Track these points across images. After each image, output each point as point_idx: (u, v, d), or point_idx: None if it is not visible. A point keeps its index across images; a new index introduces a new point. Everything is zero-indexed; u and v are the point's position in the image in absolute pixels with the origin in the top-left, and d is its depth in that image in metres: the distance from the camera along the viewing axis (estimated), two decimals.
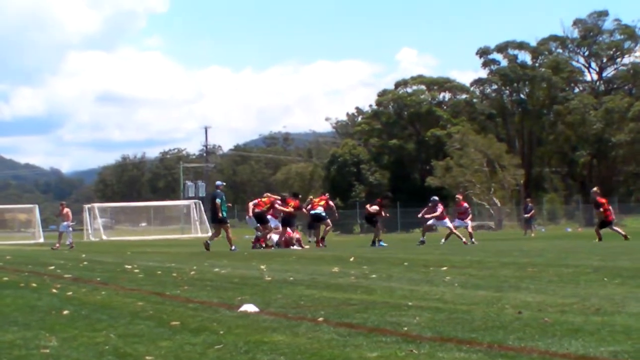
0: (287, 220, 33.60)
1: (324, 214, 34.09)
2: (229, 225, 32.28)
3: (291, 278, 14.18)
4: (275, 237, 33.36)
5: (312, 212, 34.24)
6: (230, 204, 34.54)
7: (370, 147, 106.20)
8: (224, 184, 34.33)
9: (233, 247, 30.33)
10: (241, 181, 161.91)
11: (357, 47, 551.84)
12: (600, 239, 32.74)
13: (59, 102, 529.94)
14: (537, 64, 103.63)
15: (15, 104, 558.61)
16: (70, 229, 43.86)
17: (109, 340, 7.28)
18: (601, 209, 34.51)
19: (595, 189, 37.68)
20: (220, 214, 31.30)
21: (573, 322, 7.72)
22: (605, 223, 34.48)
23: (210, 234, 38.28)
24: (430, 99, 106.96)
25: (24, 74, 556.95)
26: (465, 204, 37.29)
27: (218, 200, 31.12)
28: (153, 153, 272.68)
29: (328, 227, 34.56)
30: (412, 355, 6.23)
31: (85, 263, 21.92)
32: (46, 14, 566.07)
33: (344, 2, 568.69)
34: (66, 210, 43.39)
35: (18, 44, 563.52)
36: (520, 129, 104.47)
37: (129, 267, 18.95)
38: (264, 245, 32.38)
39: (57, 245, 41.50)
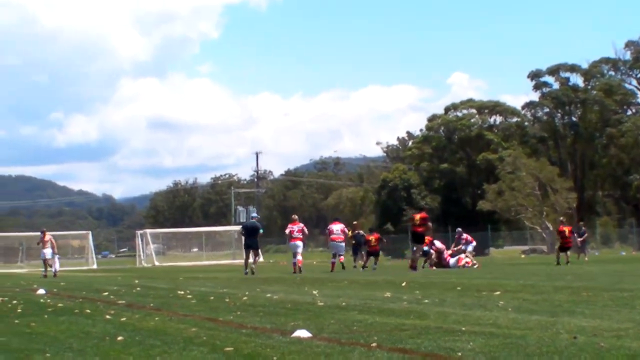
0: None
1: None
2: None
3: (343, 303, 14.17)
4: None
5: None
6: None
7: (421, 172, 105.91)
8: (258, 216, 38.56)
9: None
10: (292, 206, 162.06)
11: (409, 71, 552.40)
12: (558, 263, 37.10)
13: (112, 129, 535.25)
14: (589, 87, 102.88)
15: (69, 132, 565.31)
16: (57, 257, 42.71)
17: None
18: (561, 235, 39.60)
19: (561, 218, 45.01)
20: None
21: (630, 348, 7.64)
22: (563, 248, 39.25)
23: (261, 258, 40.18)
24: (480, 123, 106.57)
25: (77, 102, 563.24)
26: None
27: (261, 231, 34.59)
28: (204, 179, 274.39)
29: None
30: None
31: (138, 289, 22.07)
32: (99, 43, 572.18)
33: (395, 27, 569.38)
34: (49, 237, 42.34)
35: (72, 73, 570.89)
36: (573, 152, 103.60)
37: (182, 292, 19.04)
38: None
39: (55, 273, 40.73)
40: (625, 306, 12.19)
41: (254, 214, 36.10)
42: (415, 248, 33.87)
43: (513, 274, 26.12)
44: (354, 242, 41.37)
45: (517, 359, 7.13)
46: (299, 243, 35.00)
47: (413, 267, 32.63)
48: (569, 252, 39.13)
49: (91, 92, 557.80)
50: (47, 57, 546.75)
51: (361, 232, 42.63)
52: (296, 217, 36.95)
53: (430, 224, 34.41)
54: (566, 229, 39.61)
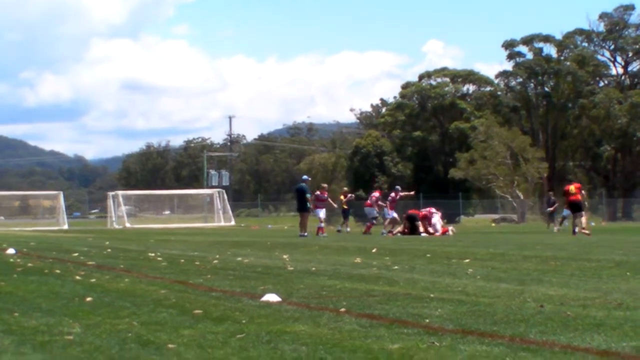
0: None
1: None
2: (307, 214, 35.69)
3: (313, 268, 14.21)
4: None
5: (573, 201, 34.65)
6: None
7: (394, 139, 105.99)
8: (309, 179, 38.96)
9: (305, 234, 33.83)
10: (264, 171, 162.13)
11: (383, 38, 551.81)
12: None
13: (84, 90, 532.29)
14: (562, 58, 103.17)
15: (41, 91, 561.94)
16: None
17: (131, 327, 7.32)
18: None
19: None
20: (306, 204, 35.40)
21: (595, 317, 7.71)
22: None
23: (232, 222, 40.70)
24: (454, 91, 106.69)
25: (49, 61, 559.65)
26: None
27: (308, 195, 35.25)
28: (177, 141, 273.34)
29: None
30: (433, 347, 6.24)
31: (108, 250, 22.03)
32: (73, 2, 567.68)
33: None
34: None
35: (45, 32, 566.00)
36: (545, 122, 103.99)
37: (152, 255, 19.03)
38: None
39: None
40: (593, 276, 12.28)
41: (305, 177, 37.75)
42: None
43: (483, 242, 26.25)
44: (345, 206, 42.60)
45: (485, 326, 7.18)
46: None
47: (573, 232, 33.40)
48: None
49: (64, 51, 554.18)
50: (20, 16, 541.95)
51: (353, 196, 45.09)
52: (325, 185, 40.67)
53: (584, 191, 35.36)
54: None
